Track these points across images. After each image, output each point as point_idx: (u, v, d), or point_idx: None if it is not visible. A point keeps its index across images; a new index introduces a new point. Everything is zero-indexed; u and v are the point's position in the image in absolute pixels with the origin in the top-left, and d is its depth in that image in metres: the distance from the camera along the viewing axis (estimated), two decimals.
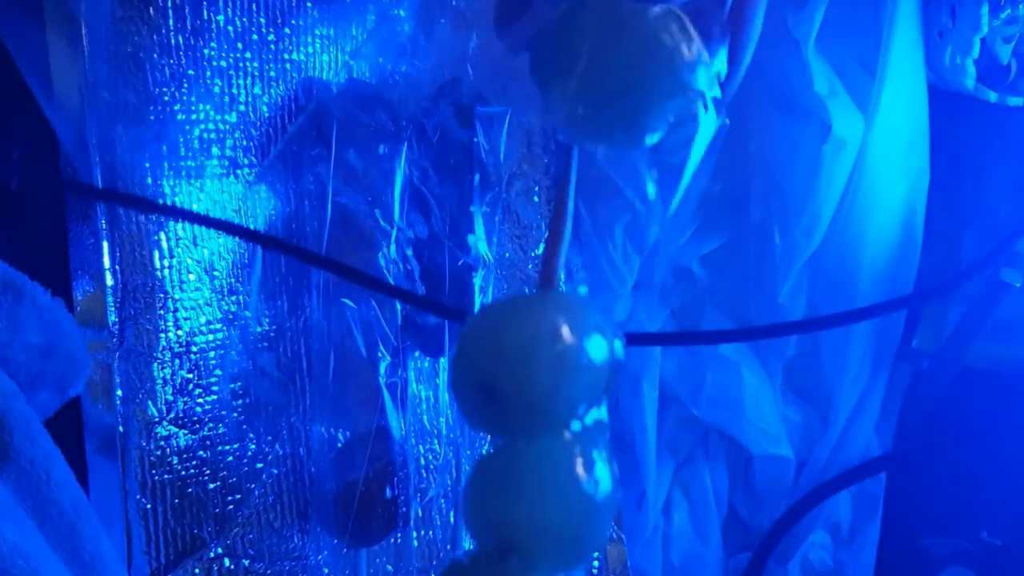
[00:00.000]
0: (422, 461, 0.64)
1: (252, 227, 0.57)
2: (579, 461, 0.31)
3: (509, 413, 0.31)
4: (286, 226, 0.59)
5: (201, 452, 0.56)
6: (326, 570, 0.61)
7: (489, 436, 0.32)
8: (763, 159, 0.76)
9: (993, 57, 0.74)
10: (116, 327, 0.52)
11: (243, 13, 0.56)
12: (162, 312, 0.54)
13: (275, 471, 0.59)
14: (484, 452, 0.32)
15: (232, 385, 0.57)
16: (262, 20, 0.57)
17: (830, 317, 0.71)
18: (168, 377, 0.54)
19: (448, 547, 0.66)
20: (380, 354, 0.59)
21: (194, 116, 0.55)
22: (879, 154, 0.73)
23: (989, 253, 0.67)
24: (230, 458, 0.57)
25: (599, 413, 0.32)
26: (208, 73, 0.55)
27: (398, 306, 0.60)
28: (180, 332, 0.55)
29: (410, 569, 0.64)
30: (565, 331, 0.30)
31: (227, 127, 0.56)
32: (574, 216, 0.73)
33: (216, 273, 0.56)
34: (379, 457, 0.60)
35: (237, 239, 0.57)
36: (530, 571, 0.31)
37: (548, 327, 0.30)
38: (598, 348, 0.31)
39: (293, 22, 0.58)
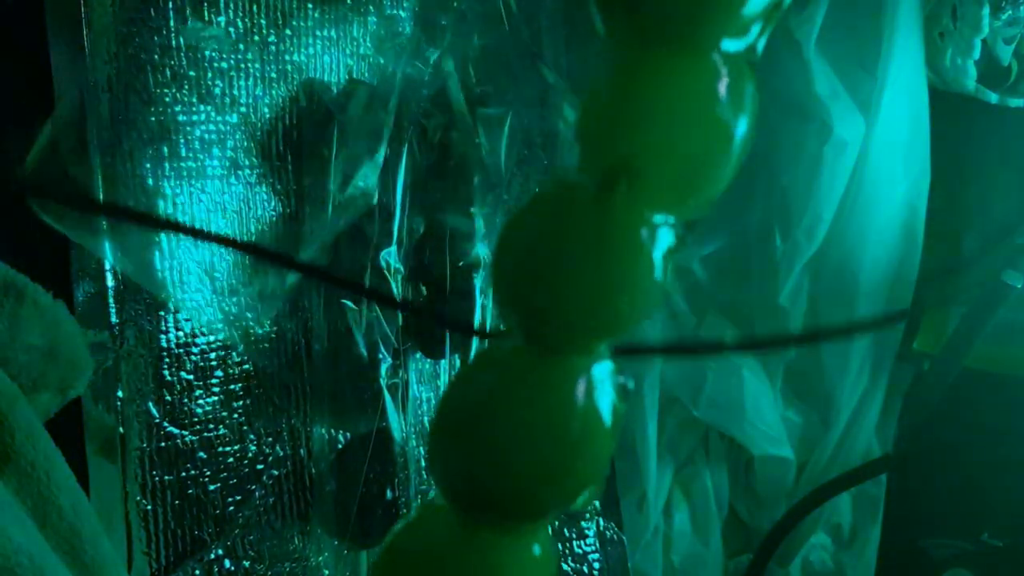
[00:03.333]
0: (423, 463, 0.64)
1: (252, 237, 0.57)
2: (723, 85, 0.25)
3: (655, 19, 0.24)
4: (286, 228, 0.59)
5: (202, 453, 0.56)
6: (327, 572, 0.61)
7: (620, 50, 0.25)
8: (764, 160, 0.76)
9: (994, 58, 0.74)
10: (117, 328, 0.52)
11: (244, 14, 0.56)
12: (163, 313, 0.54)
13: (276, 472, 0.59)
14: (605, 66, 0.26)
15: (232, 386, 0.57)
16: (263, 21, 0.57)
17: (830, 329, 0.71)
18: (169, 378, 0.54)
19: None
20: (381, 355, 0.59)
21: (195, 117, 0.55)
22: (880, 155, 0.73)
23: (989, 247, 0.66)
24: (231, 459, 0.57)
25: (752, 53, 0.26)
26: (209, 74, 0.55)
27: None
28: (181, 333, 0.55)
29: None
30: None
31: (228, 128, 0.56)
32: None
33: (217, 274, 0.56)
34: (380, 459, 0.60)
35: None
36: (635, 202, 0.25)
37: None
38: None
39: (294, 23, 0.58)
